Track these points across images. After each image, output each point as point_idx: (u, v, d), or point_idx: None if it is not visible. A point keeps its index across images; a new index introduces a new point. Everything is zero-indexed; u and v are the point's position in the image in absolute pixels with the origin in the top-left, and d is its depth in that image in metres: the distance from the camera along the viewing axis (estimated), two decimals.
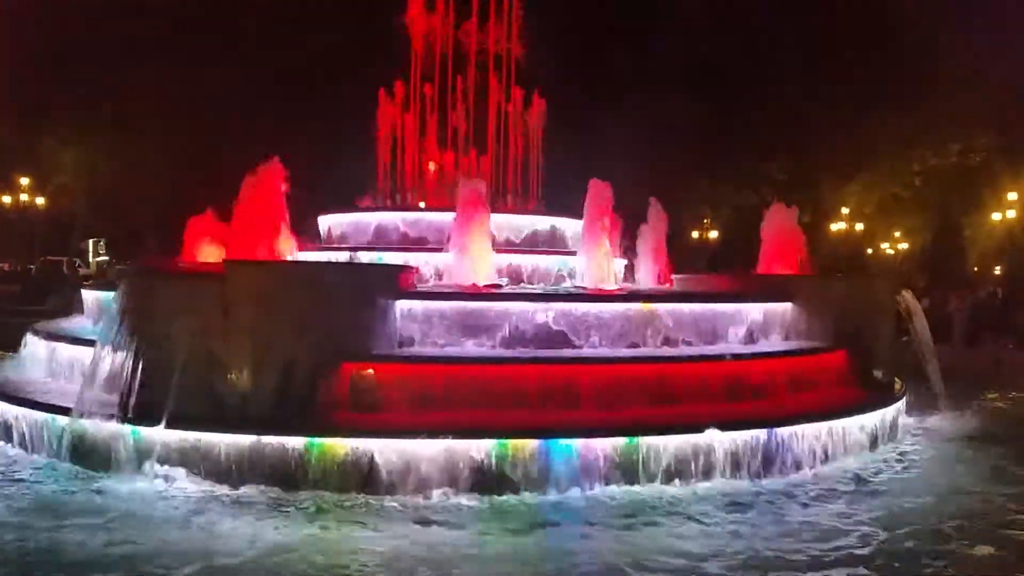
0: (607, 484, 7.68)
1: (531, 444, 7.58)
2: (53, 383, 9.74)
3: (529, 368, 8.55)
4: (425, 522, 6.86)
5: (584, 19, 36.35)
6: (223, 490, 7.46)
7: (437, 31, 15.68)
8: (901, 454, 9.56)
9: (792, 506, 7.51)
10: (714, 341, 10.05)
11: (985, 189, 36.80)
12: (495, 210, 11.75)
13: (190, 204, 12.11)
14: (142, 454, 7.76)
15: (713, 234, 47.00)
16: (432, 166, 15.45)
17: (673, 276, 12.55)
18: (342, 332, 8.39)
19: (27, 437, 8.67)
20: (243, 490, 7.44)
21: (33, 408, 8.67)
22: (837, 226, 43.22)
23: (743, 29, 38.73)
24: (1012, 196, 34.91)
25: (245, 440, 7.61)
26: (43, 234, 42.16)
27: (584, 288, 11.25)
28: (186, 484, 7.56)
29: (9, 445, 8.88)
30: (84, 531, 6.45)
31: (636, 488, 7.68)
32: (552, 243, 14.08)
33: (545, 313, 9.28)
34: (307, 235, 14.45)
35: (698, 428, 7.96)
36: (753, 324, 10.51)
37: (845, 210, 42.77)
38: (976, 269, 41.47)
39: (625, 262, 13.33)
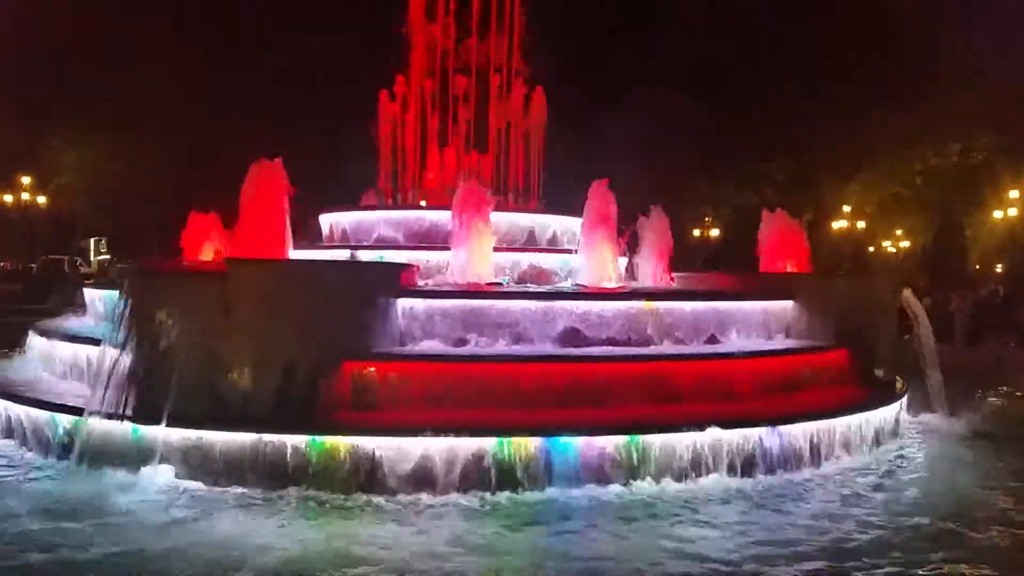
0: (608, 482, 7.67)
1: (532, 442, 7.58)
2: (54, 381, 9.75)
3: (531, 366, 8.55)
4: (426, 520, 6.87)
5: (585, 20, 36.35)
6: (224, 489, 7.47)
7: (438, 44, 15.69)
8: (902, 453, 9.57)
9: (792, 504, 7.51)
10: (714, 340, 10.03)
11: (986, 188, 36.82)
12: (496, 209, 11.75)
13: (191, 203, 12.13)
14: (143, 453, 7.76)
15: (714, 233, 47.03)
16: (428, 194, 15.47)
17: (674, 275, 12.54)
18: (343, 331, 8.39)
19: (28, 435, 8.68)
20: (244, 489, 7.44)
21: (34, 406, 8.68)
22: (838, 225, 43.24)
23: (743, 29, 38.74)
24: (1013, 195, 34.91)
25: (246, 439, 7.61)
26: (44, 233, 42.23)
27: (585, 286, 11.25)
28: (187, 483, 7.56)
29: (9, 442, 8.90)
30: (85, 531, 6.45)
31: (637, 486, 7.67)
32: (553, 242, 14.08)
33: (546, 311, 9.28)
34: (308, 234, 14.48)
35: (699, 427, 7.95)
36: (754, 323, 10.50)
37: (846, 208, 42.79)
38: (978, 268, 41.47)
39: (626, 260, 13.32)
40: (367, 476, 7.46)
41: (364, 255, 12.29)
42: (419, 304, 9.10)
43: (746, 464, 8.13)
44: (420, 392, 8.24)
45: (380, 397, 8.23)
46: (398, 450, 7.47)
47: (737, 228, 39.09)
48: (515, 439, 7.56)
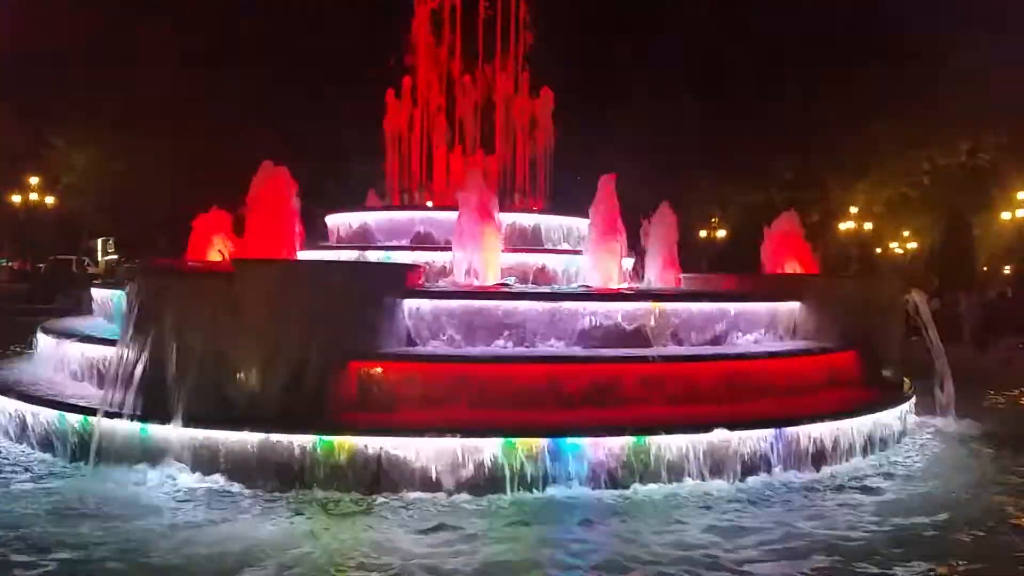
0: (615, 484, 7.66)
1: (539, 443, 7.57)
2: (62, 381, 9.78)
3: (537, 367, 8.54)
4: (433, 520, 6.86)
5: (591, 19, 36.38)
6: (232, 488, 7.47)
7: (443, 69, 15.76)
8: (909, 454, 9.53)
9: (799, 504, 7.49)
10: (721, 341, 10.02)
11: (994, 189, 36.72)
12: (502, 209, 11.75)
13: (198, 203, 12.15)
14: (151, 452, 7.79)
15: (721, 234, 46.96)
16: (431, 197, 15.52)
17: (680, 276, 12.52)
18: (350, 331, 8.39)
19: (34, 435, 8.70)
20: (252, 488, 7.44)
21: (42, 406, 8.70)
22: (846, 225, 43.15)
23: (751, 28, 38.69)
24: (1021, 196, 34.80)
25: (254, 438, 7.62)
26: (52, 233, 42.39)
27: (591, 287, 11.23)
28: (195, 482, 7.57)
29: (13, 443, 8.93)
30: (96, 531, 6.46)
31: (643, 487, 7.66)
32: (559, 242, 14.07)
33: (553, 312, 9.27)
34: (315, 235, 14.50)
35: (706, 427, 7.93)
36: (761, 324, 10.48)
37: (854, 209, 42.69)
38: (986, 269, 41.32)
39: (633, 261, 13.31)
40: (373, 476, 7.47)
41: (371, 255, 12.32)
42: (425, 304, 9.10)
43: (753, 465, 8.11)
44: (426, 392, 8.24)
45: (386, 397, 8.23)
46: (404, 450, 7.48)
47: (744, 228, 39.03)
48: (521, 440, 7.55)
